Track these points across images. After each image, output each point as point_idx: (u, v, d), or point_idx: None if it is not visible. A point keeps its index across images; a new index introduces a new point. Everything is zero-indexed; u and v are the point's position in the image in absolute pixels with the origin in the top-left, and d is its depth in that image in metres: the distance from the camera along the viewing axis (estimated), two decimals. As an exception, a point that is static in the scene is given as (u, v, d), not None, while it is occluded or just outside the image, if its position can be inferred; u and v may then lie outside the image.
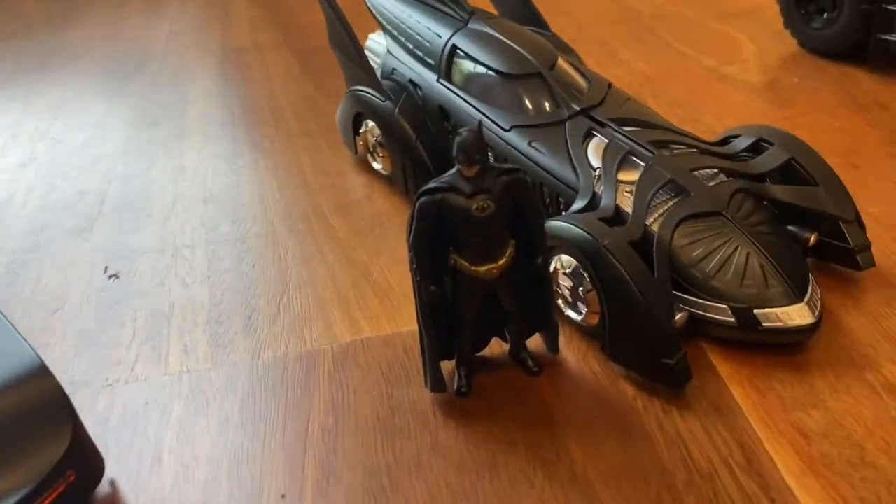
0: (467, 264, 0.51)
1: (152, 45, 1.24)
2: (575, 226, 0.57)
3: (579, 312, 0.59)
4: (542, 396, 0.56)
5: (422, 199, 0.50)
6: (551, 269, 0.59)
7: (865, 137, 0.80)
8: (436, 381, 0.55)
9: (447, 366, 0.58)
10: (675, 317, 0.55)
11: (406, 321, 0.64)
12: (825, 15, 0.93)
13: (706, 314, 0.56)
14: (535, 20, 0.83)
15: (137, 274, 0.74)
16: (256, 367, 0.62)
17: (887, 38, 0.87)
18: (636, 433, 0.52)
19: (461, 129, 0.48)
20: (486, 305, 0.55)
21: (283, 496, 0.51)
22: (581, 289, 0.57)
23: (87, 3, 1.45)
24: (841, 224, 0.60)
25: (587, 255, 0.55)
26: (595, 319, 0.57)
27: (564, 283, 0.59)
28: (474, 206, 0.49)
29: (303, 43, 1.17)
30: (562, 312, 0.60)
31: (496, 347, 0.60)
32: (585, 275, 0.56)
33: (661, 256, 0.56)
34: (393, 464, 0.52)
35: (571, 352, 0.59)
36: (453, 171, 0.50)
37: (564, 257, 0.58)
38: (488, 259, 0.51)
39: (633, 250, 0.55)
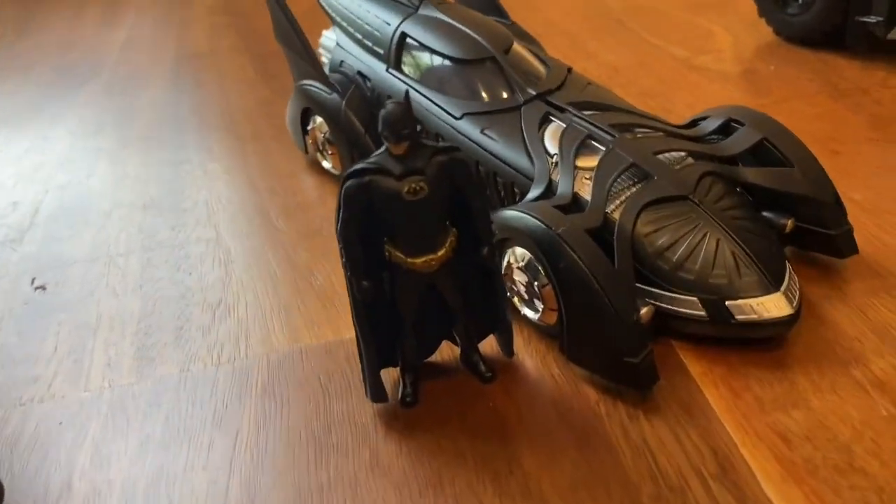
0: (402, 255, 0.46)
1: (106, 54, 1.19)
2: (527, 214, 0.51)
3: (536, 310, 0.53)
4: (495, 404, 0.50)
5: (347, 183, 0.44)
6: (504, 263, 0.54)
7: (846, 123, 0.75)
8: (376, 390, 0.50)
9: (392, 373, 0.52)
10: (638, 311, 0.49)
11: (349, 328, 0.57)
12: (800, 0, 0.89)
13: (674, 308, 0.51)
14: (494, 9, 0.79)
15: (66, 285, 0.68)
16: (185, 380, 0.56)
17: (866, 19, 0.82)
18: (598, 442, 0.47)
19: (387, 102, 0.43)
20: (432, 304, 0.50)
21: (201, 522, 0.45)
22: (536, 283, 0.52)
23: (44, 14, 1.41)
24: (819, 207, 0.55)
25: (541, 245, 0.50)
26: (553, 318, 0.52)
27: (519, 278, 0.53)
28: (405, 189, 0.43)
29: (261, 48, 1.12)
30: (518, 311, 0.55)
31: (447, 352, 0.54)
32: (540, 268, 0.51)
33: (622, 245, 0.51)
34: (326, 484, 0.47)
35: (529, 355, 0.54)
36: (381, 149, 0.44)
37: (518, 250, 0.53)
38: (425, 249, 0.46)
39: (590, 239, 0.50)
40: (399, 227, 0.45)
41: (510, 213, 0.53)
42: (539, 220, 0.51)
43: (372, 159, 0.44)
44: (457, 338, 0.52)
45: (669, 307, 0.51)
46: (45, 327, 0.63)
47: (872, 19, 0.82)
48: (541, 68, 0.66)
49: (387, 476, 0.47)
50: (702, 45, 0.95)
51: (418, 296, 0.48)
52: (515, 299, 0.55)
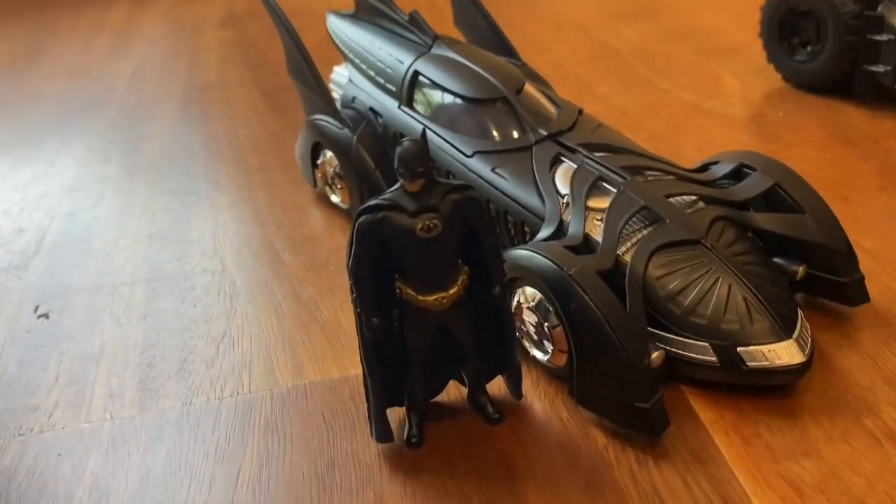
0: (414, 293, 0.45)
1: (115, 82, 1.19)
2: (538, 254, 0.51)
3: (545, 352, 0.53)
4: (502, 447, 0.50)
5: (361, 219, 0.44)
6: (514, 303, 0.53)
7: (855, 170, 0.75)
8: (381, 430, 0.49)
9: (398, 413, 0.52)
10: (650, 355, 0.49)
11: (355, 364, 0.56)
12: (809, 48, 0.90)
13: (685, 353, 0.50)
14: (505, 49, 0.79)
15: (70, 313, 0.67)
16: (187, 413, 0.55)
17: (874, 69, 0.83)
18: (607, 488, 0.46)
19: (403, 140, 0.42)
20: (441, 343, 0.49)
21: (200, 562, 0.44)
22: (546, 325, 0.51)
23: (55, 43, 1.41)
24: (831, 255, 0.55)
25: (552, 285, 0.50)
26: (563, 360, 0.51)
27: (529, 318, 0.53)
28: (419, 226, 0.43)
29: (271, 81, 1.13)
30: (527, 352, 0.54)
31: (454, 392, 0.54)
32: (551, 309, 0.50)
33: (633, 288, 0.50)
34: (329, 524, 0.46)
35: (538, 397, 0.53)
36: (396, 186, 0.44)
37: (528, 290, 0.52)
38: (437, 287, 0.45)
39: (602, 281, 0.49)
40: (411, 264, 0.45)
41: (521, 253, 0.52)
42: (550, 261, 0.50)
43: (386, 195, 0.44)
44: (465, 378, 0.52)
45: (680, 352, 0.51)
46: (48, 356, 0.62)
47: (881, 69, 0.82)
48: (552, 109, 0.66)
49: (391, 518, 0.46)
50: (711, 89, 0.95)
51: (428, 335, 0.47)
52: (525, 340, 0.54)
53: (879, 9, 0.82)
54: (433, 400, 0.53)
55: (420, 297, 0.45)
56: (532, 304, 0.52)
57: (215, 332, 0.63)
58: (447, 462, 0.49)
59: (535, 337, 0.53)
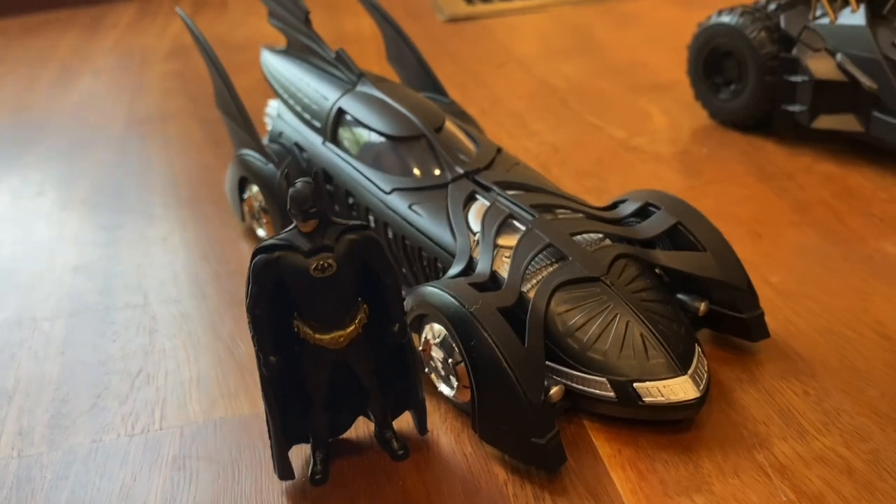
0: (311, 332, 0.46)
1: (57, 115, 1.19)
2: (443, 291, 0.52)
3: (451, 387, 0.53)
4: (405, 483, 0.50)
5: (257, 259, 0.45)
6: (423, 338, 0.54)
7: (771, 206, 0.78)
8: (283, 467, 0.49)
9: (304, 450, 0.52)
10: (548, 391, 0.50)
11: (268, 400, 0.58)
12: (732, 87, 0.92)
13: (584, 388, 0.52)
14: (433, 86, 0.81)
15: (-14, 349, 0.67)
16: (95, 451, 0.55)
17: (791, 108, 0.85)
18: (503, 523, 0.47)
19: (296, 181, 0.43)
20: (345, 380, 0.50)
21: None
22: (451, 360, 0.52)
23: (2, 73, 1.41)
24: (731, 292, 0.57)
25: (454, 322, 0.51)
26: (467, 395, 0.52)
27: (436, 354, 0.54)
28: (313, 266, 0.44)
29: (210, 114, 1.12)
30: (435, 387, 0.55)
31: (362, 429, 0.54)
32: (454, 345, 0.51)
33: (534, 325, 0.51)
34: (226, 562, 0.46)
35: (444, 432, 0.54)
36: (292, 227, 0.45)
37: (436, 326, 0.53)
38: (334, 326, 0.46)
39: (502, 318, 0.50)
40: (307, 303, 0.46)
41: (428, 290, 0.53)
42: (453, 298, 0.51)
43: (282, 236, 0.45)
44: (370, 415, 0.52)
45: (580, 387, 0.52)
46: (-40, 392, 0.62)
47: (797, 108, 0.85)
48: (471, 147, 0.68)
49: (289, 556, 0.46)
50: (639, 126, 0.98)
51: (327, 372, 0.48)
52: (433, 375, 0.55)
53: (794, 51, 0.85)
54: (341, 437, 0.53)
55: (317, 336, 0.46)
56: (438, 340, 0.53)
57: (131, 367, 0.63)
58: (349, 499, 0.49)
59: (443, 373, 0.54)
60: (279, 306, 0.46)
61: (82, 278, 0.76)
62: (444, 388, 0.54)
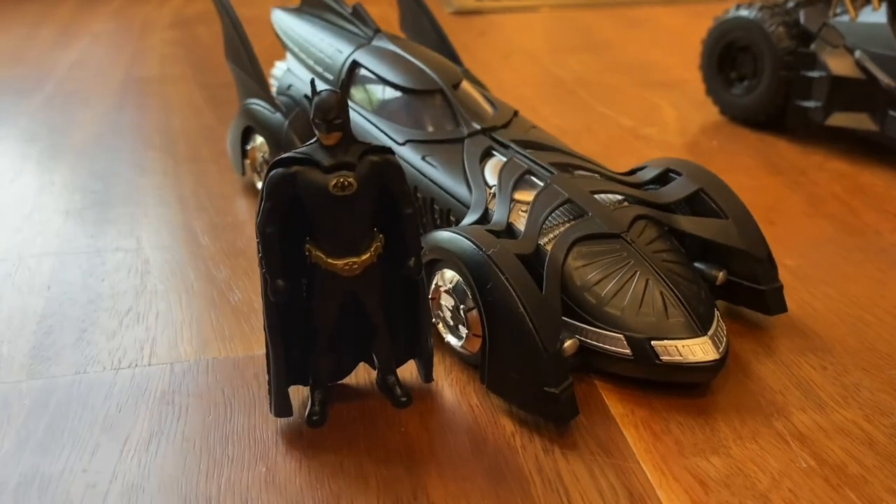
0: (323, 255, 0.44)
1: (53, 71, 1.16)
2: (460, 235, 0.50)
3: (460, 337, 0.51)
4: (407, 430, 0.48)
5: (273, 173, 0.42)
6: (432, 286, 0.52)
7: (783, 198, 0.76)
8: (280, 404, 0.47)
9: (301, 392, 0.49)
10: (562, 342, 0.47)
11: (263, 345, 0.55)
12: (745, 82, 0.91)
13: (599, 344, 0.50)
14: (450, 55, 0.79)
15: (-32, 280, 0.64)
16: (78, 382, 0.52)
17: (805, 104, 0.84)
18: (510, 474, 0.44)
19: (321, 90, 0.41)
20: (351, 321, 0.47)
21: (70, 527, 0.41)
22: (462, 307, 0.50)
23: (-3, 31, 1.38)
24: (751, 262, 0.55)
25: (470, 266, 0.49)
26: (476, 345, 0.50)
27: (446, 302, 0.51)
28: (333, 183, 0.42)
29: (212, 79, 1.11)
30: (442, 339, 0.53)
31: (363, 376, 0.52)
32: (468, 290, 0.49)
33: (551, 275, 0.49)
34: (215, 496, 0.43)
35: (449, 384, 0.52)
36: (312, 140, 0.43)
37: (448, 272, 0.51)
38: (349, 251, 0.44)
39: (519, 263, 0.48)
40: (322, 223, 0.43)
41: (442, 234, 0.51)
42: (470, 241, 0.49)
43: (301, 149, 0.43)
44: (375, 358, 0.50)
45: (595, 343, 0.50)
46: (-63, 319, 0.59)
47: (811, 104, 0.84)
48: (487, 107, 0.66)
49: (281, 494, 0.43)
50: (649, 117, 0.96)
51: (336, 306, 0.46)
52: (440, 325, 0.53)
53: (812, 46, 0.84)
54: (340, 382, 0.51)
55: (329, 260, 0.44)
56: (450, 286, 0.50)
57: (120, 306, 0.60)
58: (347, 442, 0.47)
59: (451, 322, 0.52)
60: (290, 231, 0.44)
61: (73, 221, 0.73)
62: (451, 339, 0.52)
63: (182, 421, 0.48)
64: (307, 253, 0.44)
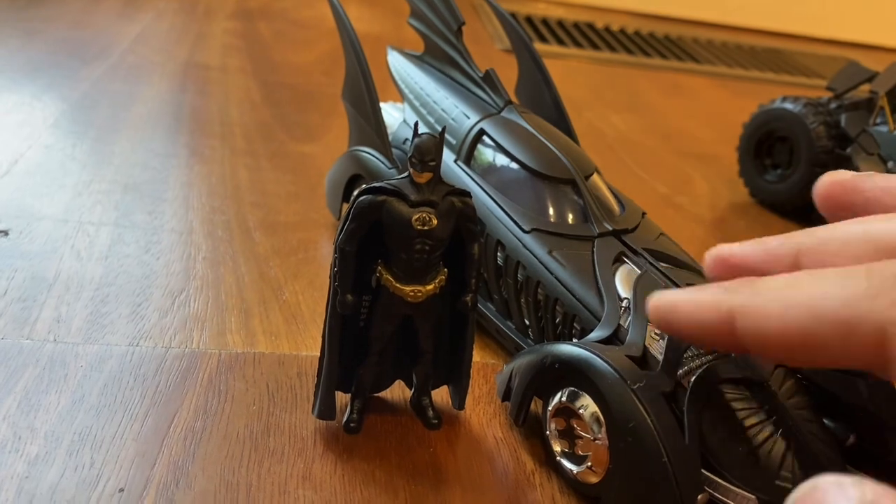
0: (392, 280, 0.47)
1: (117, 41, 1.20)
2: (599, 358, 0.46)
3: (577, 464, 0.48)
4: (435, 450, 0.51)
5: (362, 198, 0.46)
6: (554, 400, 0.49)
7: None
8: (325, 407, 0.50)
9: (340, 398, 0.53)
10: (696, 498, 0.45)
11: (308, 346, 0.58)
12: (779, 170, 0.96)
13: (728, 501, 0.45)
14: (567, 133, 0.72)
15: (31, 236, 0.67)
16: (132, 353, 0.55)
17: (835, 202, 0.88)
18: (527, 508, 0.48)
19: (421, 133, 0.45)
20: (399, 341, 0.51)
21: (121, 490, 0.44)
22: (593, 437, 0.47)
23: (62, -8, 1.42)
24: (882, 426, 0.48)
25: (611, 400, 0.45)
26: (593, 478, 0.47)
27: (579, 425, 0.48)
28: (415, 217, 0.45)
29: (271, 77, 1.15)
30: (552, 451, 0.50)
31: (398, 393, 0.55)
32: (603, 424, 0.46)
33: (693, 420, 0.45)
34: (255, 483, 0.46)
35: (477, 414, 0.55)
36: (404, 175, 0.46)
37: (581, 398, 0.48)
38: (416, 279, 0.47)
39: (666, 404, 0.45)
40: (398, 251, 0.47)
41: (576, 352, 0.48)
42: (614, 369, 0.46)
43: (392, 181, 0.46)
44: (414, 378, 0.53)
45: (723, 499, 0.46)
46: None
47: (841, 203, 0.88)
48: (615, 205, 0.63)
49: (317, 491, 0.46)
50: (682, 187, 1.01)
51: (394, 326, 0.49)
52: (553, 440, 0.50)
53: (849, 150, 0.88)
54: (377, 394, 0.54)
55: (397, 285, 0.47)
56: (583, 411, 0.47)
57: (174, 286, 0.64)
58: (380, 453, 0.50)
59: (569, 448, 0.49)
60: (364, 253, 0.48)
61: (131, 195, 0.76)
62: (565, 462, 0.49)
63: (227, 406, 0.52)
64: (378, 275, 0.48)
